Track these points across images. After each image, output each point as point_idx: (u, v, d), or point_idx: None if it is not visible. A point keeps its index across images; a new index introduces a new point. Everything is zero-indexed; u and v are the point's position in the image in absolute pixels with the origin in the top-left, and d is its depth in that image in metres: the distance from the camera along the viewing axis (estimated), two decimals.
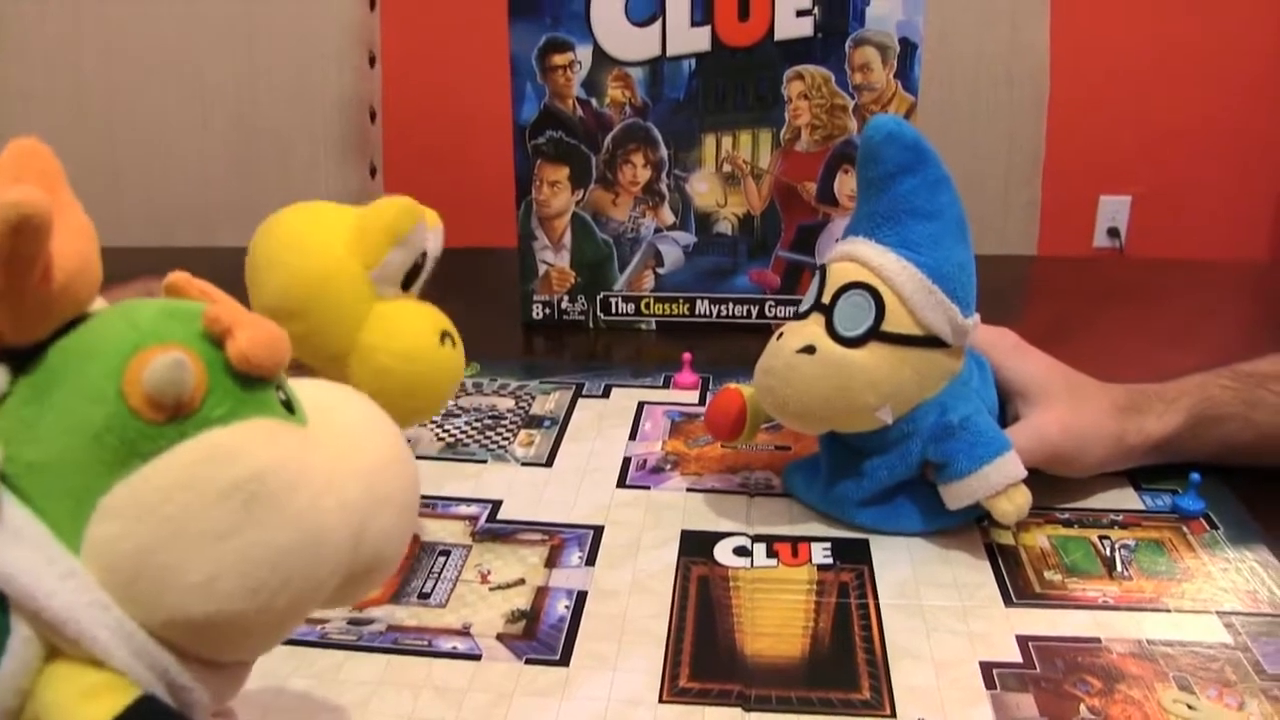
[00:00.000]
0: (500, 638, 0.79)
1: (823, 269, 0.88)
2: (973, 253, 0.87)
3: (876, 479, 0.89)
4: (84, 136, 1.90)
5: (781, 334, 0.88)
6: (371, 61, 1.93)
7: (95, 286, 0.52)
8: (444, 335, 0.85)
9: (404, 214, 0.83)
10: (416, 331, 0.85)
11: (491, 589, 0.85)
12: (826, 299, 0.86)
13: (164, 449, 0.48)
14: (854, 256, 0.86)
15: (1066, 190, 2.40)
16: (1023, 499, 0.85)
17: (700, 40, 1.24)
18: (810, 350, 0.85)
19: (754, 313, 1.34)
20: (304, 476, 0.52)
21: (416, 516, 0.61)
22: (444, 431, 1.09)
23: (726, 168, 1.29)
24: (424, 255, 0.84)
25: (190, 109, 1.92)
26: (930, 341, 0.85)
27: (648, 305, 1.35)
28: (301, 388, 0.57)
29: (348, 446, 0.56)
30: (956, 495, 0.86)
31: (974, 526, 0.91)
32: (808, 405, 0.86)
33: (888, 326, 0.84)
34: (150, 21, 1.89)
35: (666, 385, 1.19)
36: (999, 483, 0.84)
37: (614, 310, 1.35)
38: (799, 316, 0.89)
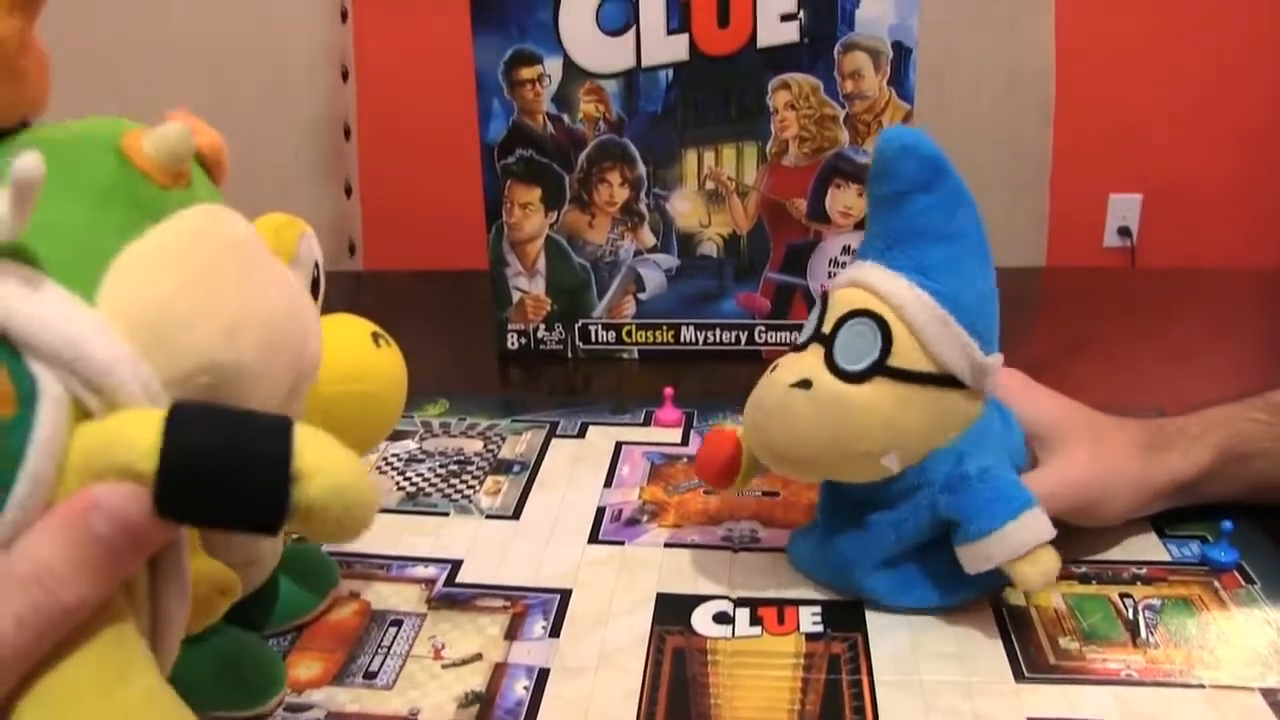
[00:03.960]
0: None
1: (825, 296, 0.79)
2: (994, 281, 0.78)
3: (882, 539, 0.80)
4: None
5: (776, 366, 0.79)
6: (345, 77, 1.87)
7: (45, 100, 0.55)
8: (375, 338, 0.77)
9: (285, 232, 0.74)
10: (349, 347, 0.76)
11: (445, 666, 0.77)
12: (828, 328, 0.77)
13: (170, 213, 0.52)
14: (860, 282, 0.77)
15: (1075, 189, 2.35)
16: (1050, 563, 0.75)
17: (677, 49, 1.17)
18: (805, 385, 0.75)
19: (743, 339, 1.26)
20: (271, 258, 0.57)
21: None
22: (405, 480, 1.01)
23: (710, 185, 1.21)
24: (317, 266, 0.76)
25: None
26: (944, 380, 0.75)
27: (629, 333, 1.27)
28: None
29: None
30: (973, 558, 0.76)
31: None
32: (800, 449, 0.77)
33: (895, 361, 0.74)
34: (108, 37, 1.83)
35: (647, 422, 1.11)
36: (1022, 544, 0.74)
37: (593, 339, 1.28)
38: (797, 349, 0.79)
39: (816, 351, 0.77)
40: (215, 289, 0.50)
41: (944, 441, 0.77)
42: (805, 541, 0.86)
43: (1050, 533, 0.76)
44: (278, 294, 0.54)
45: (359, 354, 0.75)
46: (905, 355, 0.74)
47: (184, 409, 0.47)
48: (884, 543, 0.80)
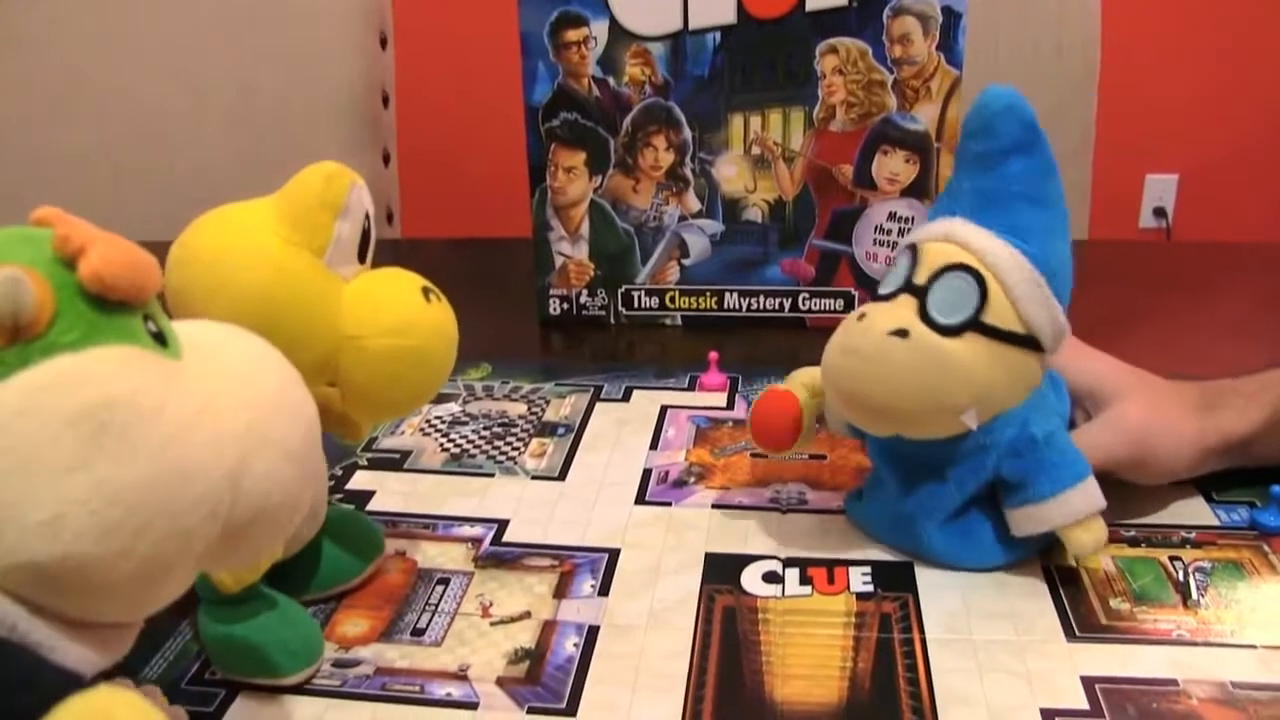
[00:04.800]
0: (500, 682, 0.72)
1: (914, 248, 0.79)
2: (1071, 251, 0.79)
3: (946, 497, 0.80)
4: (78, 127, 1.85)
5: (864, 314, 0.77)
6: (383, 43, 1.87)
7: None
8: (426, 292, 0.76)
9: (335, 181, 0.72)
10: (398, 301, 0.75)
11: (493, 624, 0.77)
12: (921, 280, 0.76)
13: (3, 376, 0.46)
14: (954, 238, 0.77)
15: (1111, 168, 2.31)
16: (1101, 531, 0.76)
17: (725, 12, 1.16)
18: (903, 334, 0.74)
19: (786, 306, 1.25)
20: (166, 407, 0.49)
21: (312, 467, 0.59)
22: (449, 441, 1.01)
23: (755, 150, 1.21)
24: (367, 217, 0.75)
25: (189, 95, 1.86)
26: (1028, 342, 0.76)
27: (672, 299, 1.27)
28: (188, 326, 0.55)
29: (230, 381, 0.54)
30: (1030, 520, 0.77)
31: None
32: (895, 398, 0.75)
33: (988, 318, 0.74)
34: (148, 3, 1.82)
35: (692, 387, 1.11)
36: (1081, 510, 0.76)
37: (636, 304, 1.27)
38: (881, 298, 0.78)
39: (908, 303, 0.76)
40: (32, 479, 0.45)
41: (1014, 404, 0.77)
42: (864, 499, 0.86)
43: (1103, 503, 0.77)
44: (146, 463, 0.47)
45: (408, 309, 0.75)
46: (999, 313, 0.75)
47: None
48: (948, 501, 0.80)
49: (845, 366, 0.77)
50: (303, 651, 0.72)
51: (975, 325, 0.74)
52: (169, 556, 0.49)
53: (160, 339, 0.51)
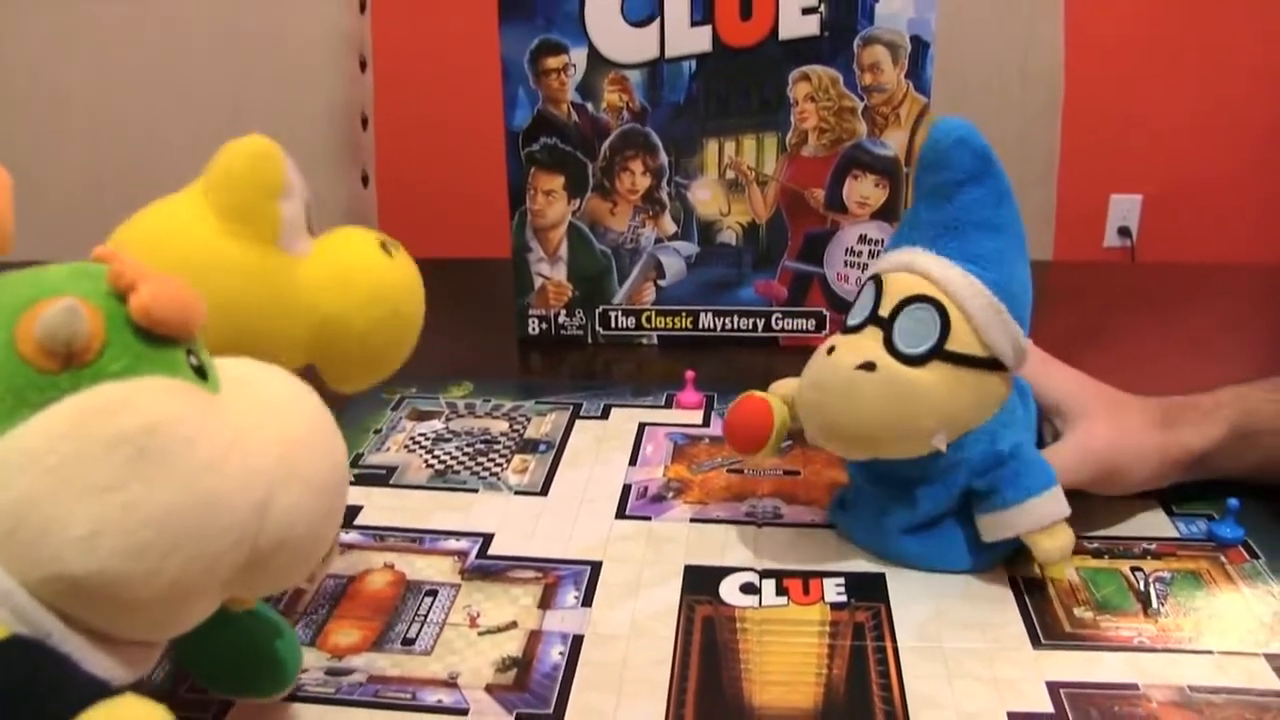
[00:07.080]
0: (489, 689, 0.74)
1: (877, 280, 0.82)
2: (1029, 269, 0.81)
3: (920, 509, 0.84)
4: (67, 145, 1.87)
5: (833, 348, 0.81)
6: (363, 66, 1.89)
7: (5, 240, 0.53)
8: (384, 247, 0.76)
9: (266, 162, 0.69)
10: (363, 268, 0.75)
11: (480, 633, 0.79)
12: (885, 312, 0.80)
13: (54, 399, 0.49)
14: (914, 268, 0.80)
15: (1076, 188, 2.36)
16: (1066, 538, 0.79)
17: (700, 40, 1.19)
18: (870, 367, 0.78)
19: (760, 326, 1.28)
20: (201, 437, 0.51)
21: (338, 503, 0.60)
22: (433, 458, 1.03)
23: (730, 174, 1.23)
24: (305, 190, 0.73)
25: (175, 117, 1.87)
26: (991, 364, 0.79)
27: (649, 319, 1.29)
28: (228, 363, 0.57)
29: (263, 417, 0.56)
30: (998, 526, 0.80)
31: None
32: (864, 428, 0.79)
33: (952, 345, 0.78)
34: (133, 27, 1.85)
35: (668, 405, 1.14)
36: (1044, 517, 0.79)
37: (613, 325, 1.30)
38: (849, 330, 0.82)
39: (874, 334, 0.80)
40: (74, 496, 0.47)
41: (984, 420, 0.81)
42: (846, 508, 0.89)
43: (1067, 510, 0.79)
44: (180, 489, 0.50)
45: (374, 272, 0.75)
46: (961, 340, 0.78)
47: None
48: (920, 514, 0.83)
49: (817, 401, 0.81)
50: (291, 668, 0.71)
51: (939, 354, 0.78)
52: (196, 580, 0.51)
53: (201, 373, 0.54)
